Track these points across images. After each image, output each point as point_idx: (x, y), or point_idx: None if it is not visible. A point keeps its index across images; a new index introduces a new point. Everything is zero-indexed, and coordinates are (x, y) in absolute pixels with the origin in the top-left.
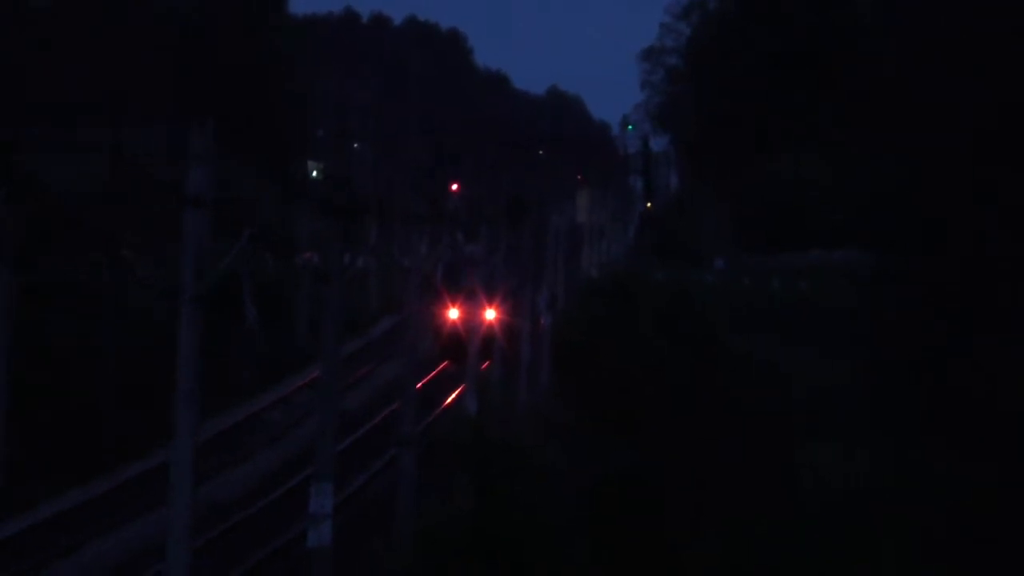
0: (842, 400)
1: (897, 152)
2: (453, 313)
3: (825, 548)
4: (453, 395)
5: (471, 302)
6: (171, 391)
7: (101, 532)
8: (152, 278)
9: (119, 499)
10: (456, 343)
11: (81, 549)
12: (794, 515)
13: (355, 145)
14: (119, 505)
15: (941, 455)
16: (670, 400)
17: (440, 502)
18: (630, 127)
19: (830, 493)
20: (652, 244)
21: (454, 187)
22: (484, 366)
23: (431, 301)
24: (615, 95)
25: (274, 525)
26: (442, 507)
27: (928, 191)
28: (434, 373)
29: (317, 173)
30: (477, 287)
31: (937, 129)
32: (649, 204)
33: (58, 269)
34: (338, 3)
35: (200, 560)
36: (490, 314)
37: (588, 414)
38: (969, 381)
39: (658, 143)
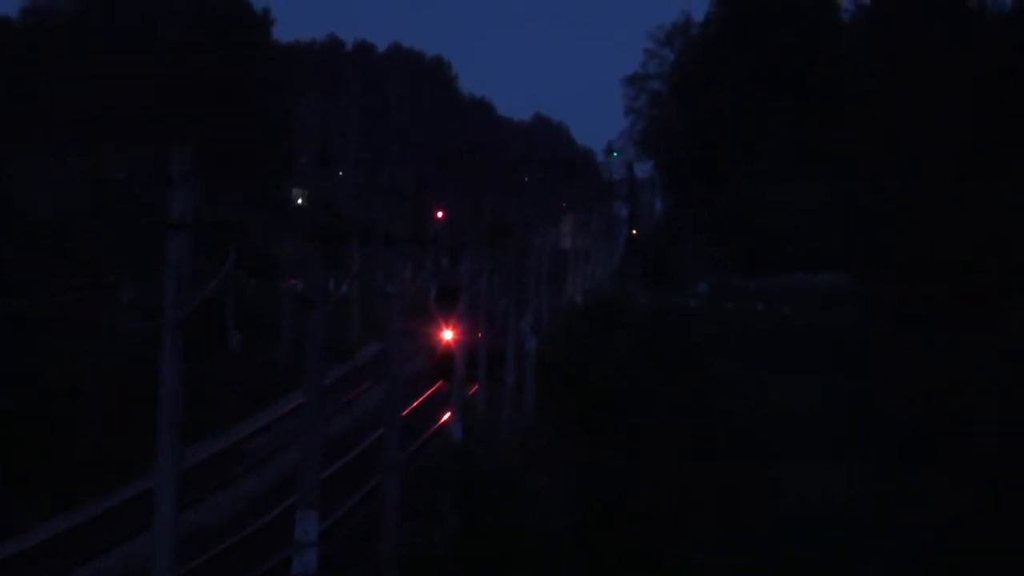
0: (823, 422)
1: (878, 175)
2: (447, 334)
3: (805, 567)
4: (440, 421)
5: (463, 323)
6: (155, 416)
7: (87, 558)
8: (136, 302)
9: (103, 525)
10: (450, 362)
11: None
12: (775, 535)
13: (340, 173)
14: (103, 531)
15: (920, 477)
16: (653, 423)
17: (426, 528)
18: (615, 154)
19: (811, 513)
20: (637, 269)
21: (439, 214)
22: (472, 390)
23: (424, 322)
24: (599, 121)
25: (259, 551)
26: (427, 533)
27: (909, 214)
28: (423, 398)
29: (301, 200)
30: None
31: (916, 150)
32: (634, 231)
33: (41, 293)
34: (322, 30)
35: None
36: (469, 335)
37: (572, 437)
38: (947, 403)
39: (642, 169)
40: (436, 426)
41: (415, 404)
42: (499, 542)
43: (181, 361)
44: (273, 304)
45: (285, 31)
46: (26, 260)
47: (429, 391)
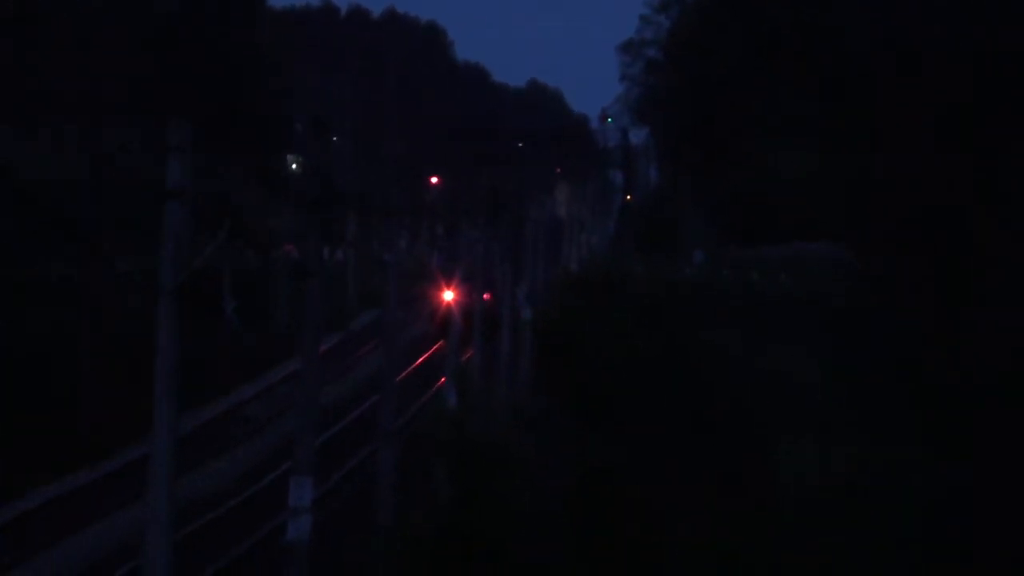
0: (821, 395)
1: (878, 145)
2: (448, 295)
3: (803, 544)
4: (435, 388)
5: (465, 285)
6: (150, 385)
7: (80, 525)
8: (131, 272)
9: (97, 492)
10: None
11: (59, 542)
12: (773, 510)
13: (334, 139)
14: (98, 498)
15: (921, 452)
16: (648, 394)
17: (420, 496)
18: (609, 120)
19: (809, 490)
20: (632, 237)
21: (433, 180)
22: (465, 356)
23: (428, 286)
24: (594, 88)
25: (254, 518)
26: (422, 501)
27: (909, 184)
28: (418, 362)
29: (296, 167)
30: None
31: (916, 120)
32: (629, 197)
33: (37, 263)
34: None
35: (181, 553)
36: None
37: (567, 407)
38: (949, 376)
39: (637, 136)
40: (435, 388)
41: (416, 364)
42: (492, 513)
43: (177, 329)
44: (269, 274)
45: None
46: (21, 231)
47: (429, 351)
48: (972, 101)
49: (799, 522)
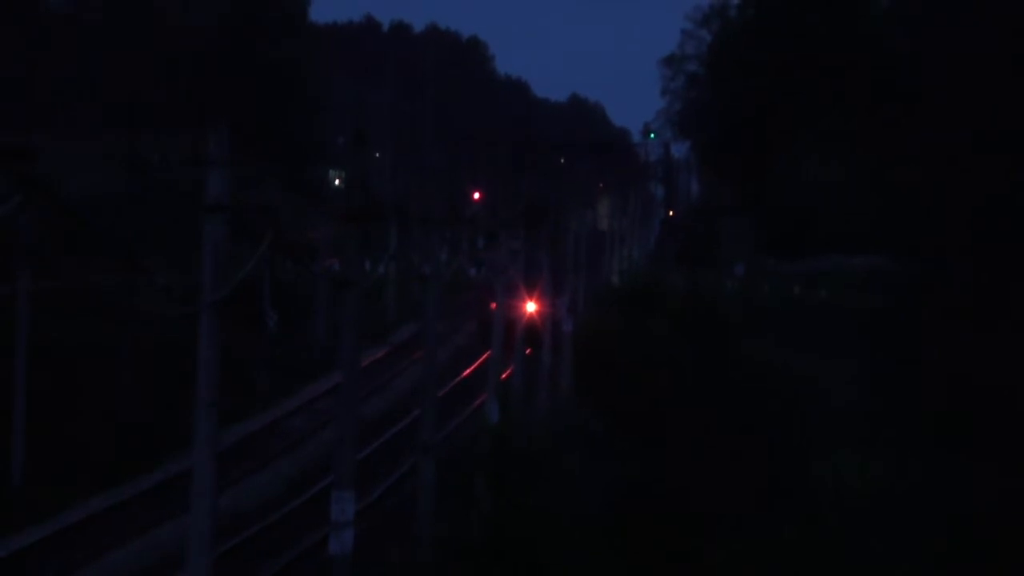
0: (861, 406)
1: (919, 158)
2: (531, 306)
3: (843, 555)
4: (478, 401)
5: (511, 297)
6: (191, 398)
7: (124, 539)
8: (172, 285)
9: (138, 507)
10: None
11: (103, 556)
12: (813, 524)
13: (376, 154)
14: (138, 512)
15: (962, 463)
16: (690, 407)
17: (462, 509)
18: (652, 135)
19: (849, 502)
20: (673, 250)
21: (476, 195)
22: (505, 375)
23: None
24: (635, 102)
25: (296, 531)
26: (463, 514)
27: (951, 197)
28: (462, 375)
29: (338, 181)
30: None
31: (956, 134)
32: (671, 211)
33: (77, 275)
34: (359, 11)
35: (223, 565)
36: (530, 306)
37: (609, 420)
38: (991, 389)
39: (679, 149)
40: (478, 401)
41: (460, 377)
42: (532, 526)
43: (218, 341)
44: (310, 287)
45: (322, 12)
46: (61, 243)
47: (472, 366)
48: (1018, 111)
49: (839, 532)
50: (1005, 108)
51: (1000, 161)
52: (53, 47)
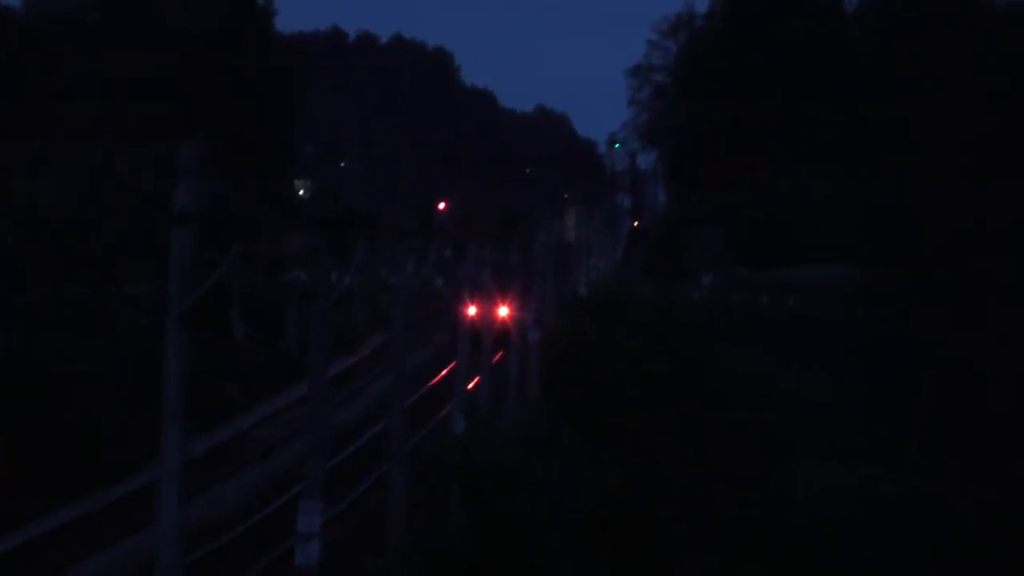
0: (835, 417)
1: (889, 171)
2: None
3: (819, 567)
4: (445, 410)
5: (486, 302)
6: (159, 408)
7: (93, 549)
8: (141, 295)
9: (109, 517)
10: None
11: (75, 565)
12: (791, 532)
13: (342, 164)
14: (109, 523)
15: (939, 473)
16: (656, 416)
17: (432, 520)
18: (617, 145)
19: (826, 511)
20: (640, 261)
21: (441, 206)
22: (471, 385)
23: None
24: (601, 113)
25: (264, 542)
26: (434, 525)
27: (924, 208)
28: (429, 384)
29: (304, 191)
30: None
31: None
32: (636, 222)
33: (49, 287)
34: (325, 21)
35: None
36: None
37: (577, 431)
38: (964, 398)
39: (645, 160)
40: (446, 410)
41: (427, 386)
42: (504, 533)
43: (186, 352)
44: (279, 298)
45: (288, 22)
46: (33, 254)
47: (439, 375)
48: (998, 130)
49: (817, 546)
50: (978, 129)
51: (976, 183)
52: (20, 59)
